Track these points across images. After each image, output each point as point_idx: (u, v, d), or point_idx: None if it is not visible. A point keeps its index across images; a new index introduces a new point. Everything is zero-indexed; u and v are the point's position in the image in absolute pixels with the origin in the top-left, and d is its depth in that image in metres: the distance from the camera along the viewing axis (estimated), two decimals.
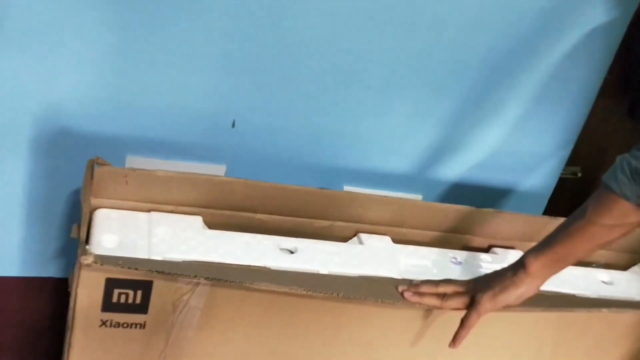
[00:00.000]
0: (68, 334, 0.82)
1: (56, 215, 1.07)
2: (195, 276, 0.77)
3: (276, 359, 0.89)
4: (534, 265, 0.79)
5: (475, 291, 0.81)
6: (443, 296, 0.82)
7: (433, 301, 0.81)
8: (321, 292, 0.80)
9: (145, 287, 0.79)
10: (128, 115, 1.02)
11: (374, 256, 0.92)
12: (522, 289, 0.79)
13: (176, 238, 0.84)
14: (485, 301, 0.79)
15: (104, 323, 0.80)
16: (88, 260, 0.72)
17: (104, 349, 0.82)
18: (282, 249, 0.88)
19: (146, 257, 0.80)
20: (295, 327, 0.87)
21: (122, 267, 0.74)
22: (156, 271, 0.76)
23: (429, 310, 0.85)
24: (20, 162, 1.00)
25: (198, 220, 0.86)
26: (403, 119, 1.14)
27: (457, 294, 0.82)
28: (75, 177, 1.04)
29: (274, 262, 0.85)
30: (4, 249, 1.07)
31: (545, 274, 0.79)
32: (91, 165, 0.83)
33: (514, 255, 0.98)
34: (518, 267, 0.80)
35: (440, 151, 1.20)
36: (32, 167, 1.01)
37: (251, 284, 0.78)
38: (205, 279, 0.77)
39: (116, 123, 1.02)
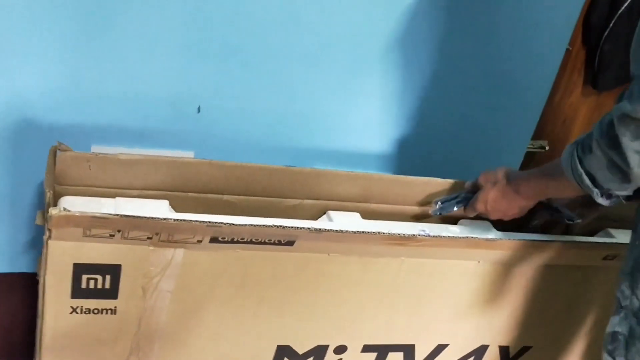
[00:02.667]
0: (39, 322, 0.81)
1: (23, 209, 1.06)
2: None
3: (250, 337, 0.90)
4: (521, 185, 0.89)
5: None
6: None
7: None
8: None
9: (114, 271, 0.79)
10: (92, 104, 1.01)
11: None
12: (505, 200, 0.91)
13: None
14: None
15: (74, 310, 0.80)
16: (60, 211, 0.72)
17: (76, 336, 0.82)
18: None
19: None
20: (268, 304, 0.88)
21: (94, 217, 0.73)
22: (123, 215, 0.75)
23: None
24: None
25: (164, 204, 0.86)
26: (369, 99, 1.14)
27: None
28: (41, 169, 1.03)
29: None
30: None
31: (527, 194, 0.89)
32: (54, 152, 0.83)
33: (483, 225, 1.00)
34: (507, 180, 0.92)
35: (407, 129, 1.21)
36: None
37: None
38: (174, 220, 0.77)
39: (80, 112, 1.01)
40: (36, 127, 1.00)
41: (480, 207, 0.94)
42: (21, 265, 1.12)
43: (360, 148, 1.19)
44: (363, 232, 0.86)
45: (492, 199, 0.92)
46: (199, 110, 1.08)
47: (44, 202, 0.85)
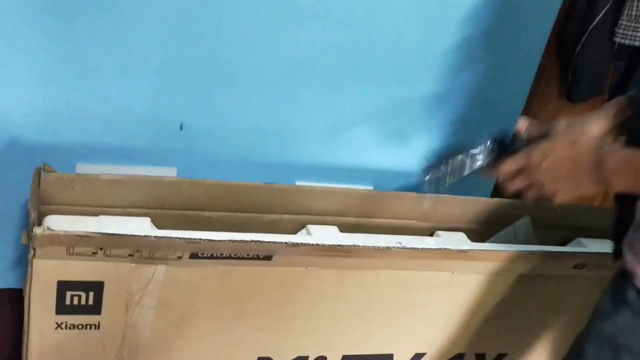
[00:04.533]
0: (25, 338, 0.84)
1: (10, 227, 1.08)
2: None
3: (231, 350, 0.92)
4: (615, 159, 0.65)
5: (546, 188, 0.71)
6: None
7: None
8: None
9: (97, 288, 0.82)
10: (76, 123, 1.03)
11: None
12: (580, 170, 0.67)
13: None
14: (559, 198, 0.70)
15: (59, 325, 0.82)
16: (44, 231, 0.74)
17: (61, 351, 0.84)
18: None
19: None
20: (248, 317, 0.90)
21: (77, 236, 0.76)
22: (105, 234, 0.77)
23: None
24: None
25: (146, 221, 0.89)
26: (345, 114, 1.17)
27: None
28: (27, 188, 1.05)
29: None
30: None
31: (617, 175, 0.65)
32: (38, 173, 0.85)
33: (458, 237, 1.03)
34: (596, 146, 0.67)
35: (385, 142, 1.24)
36: None
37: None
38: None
39: (64, 132, 1.04)
40: (21, 147, 1.02)
41: (535, 159, 0.68)
42: (9, 282, 1.14)
43: (341, 163, 1.22)
44: (339, 245, 0.89)
45: (561, 158, 0.66)
46: (181, 128, 1.11)
47: (29, 221, 0.87)
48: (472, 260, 0.95)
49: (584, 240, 1.08)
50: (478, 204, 1.11)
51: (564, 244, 1.10)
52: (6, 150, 1.02)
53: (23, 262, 1.13)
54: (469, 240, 0.99)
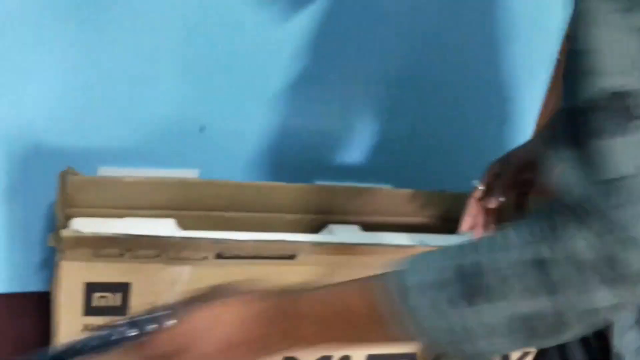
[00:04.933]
0: (53, 340, 0.85)
1: (34, 230, 1.10)
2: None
3: None
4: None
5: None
6: None
7: None
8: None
9: (124, 289, 0.83)
10: (97, 126, 1.05)
11: None
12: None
13: None
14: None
15: (86, 327, 0.83)
16: (71, 232, 0.75)
17: None
18: None
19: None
20: None
21: (104, 238, 0.77)
22: (132, 235, 0.78)
23: None
24: None
25: (171, 223, 0.89)
26: (364, 113, 1.18)
27: None
28: (51, 192, 1.07)
29: None
30: None
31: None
32: (63, 176, 0.86)
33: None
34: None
35: (406, 141, 1.24)
36: (7, 185, 1.04)
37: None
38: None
39: (86, 135, 1.05)
40: (45, 152, 1.04)
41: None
42: (33, 285, 1.15)
43: (361, 161, 1.23)
44: (362, 244, 0.89)
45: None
46: (202, 130, 1.11)
47: (54, 224, 0.88)
48: None
49: None
50: None
51: None
52: (30, 155, 1.03)
53: (48, 265, 1.15)
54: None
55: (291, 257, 0.86)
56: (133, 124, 1.06)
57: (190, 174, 1.13)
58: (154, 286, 0.83)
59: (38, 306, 1.16)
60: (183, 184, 0.92)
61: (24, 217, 1.08)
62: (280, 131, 1.15)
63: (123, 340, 0.52)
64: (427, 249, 0.90)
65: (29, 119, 1.00)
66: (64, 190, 0.86)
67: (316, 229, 0.99)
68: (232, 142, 1.14)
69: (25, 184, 1.05)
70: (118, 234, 0.78)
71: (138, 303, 0.84)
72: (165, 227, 0.88)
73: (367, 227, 1.00)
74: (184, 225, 0.91)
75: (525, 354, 1.08)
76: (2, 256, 1.10)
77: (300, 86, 1.12)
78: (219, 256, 0.84)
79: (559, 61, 1.31)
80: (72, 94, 1.01)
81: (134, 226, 0.86)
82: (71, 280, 0.80)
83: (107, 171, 1.07)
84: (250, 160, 1.16)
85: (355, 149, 1.22)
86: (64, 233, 0.76)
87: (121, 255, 0.80)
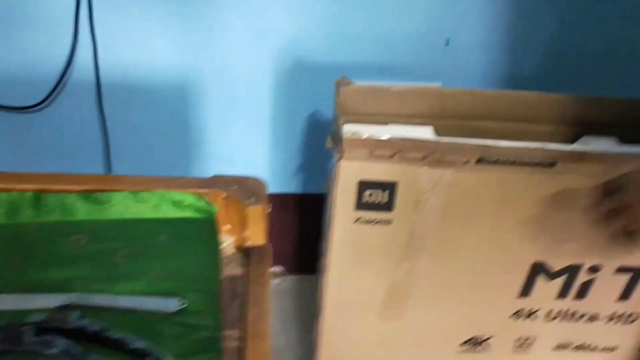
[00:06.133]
0: (329, 230, 0.96)
1: (294, 138, 1.23)
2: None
3: (506, 253, 0.97)
4: None
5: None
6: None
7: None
8: None
9: (391, 187, 0.91)
10: (347, 43, 1.12)
11: None
12: None
13: None
14: None
15: (357, 220, 0.94)
16: (351, 135, 0.84)
17: (358, 242, 0.96)
18: None
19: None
20: (527, 223, 0.94)
21: (378, 140, 0.85)
22: (403, 138, 0.85)
23: None
24: (265, 92, 1.16)
25: (429, 130, 0.95)
26: None
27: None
28: (307, 104, 1.19)
29: None
30: (255, 169, 1.26)
31: None
32: (338, 85, 0.95)
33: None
34: None
35: None
36: (274, 96, 1.17)
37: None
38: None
39: (338, 51, 1.13)
40: (304, 67, 1.14)
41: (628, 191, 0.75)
42: (292, 187, 1.30)
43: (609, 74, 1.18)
44: (625, 153, 0.87)
45: None
46: (447, 43, 1.14)
47: (314, 133, 0.96)
48: None
49: None
50: None
51: None
52: (292, 70, 1.14)
53: (303, 169, 1.28)
54: None
55: (551, 164, 0.88)
56: (381, 40, 1.12)
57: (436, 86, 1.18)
58: (418, 186, 0.90)
59: (295, 206, 1.32)
60: (440, 93, 0.97)
61: (286, 126, 1.21)
62: (529, 42, 1.14)
63: None
64: None
65: (292, 37, 1.10)
66: (338, 97, 0.95)
67: (572, 140, 0.99)
68: (475, 56, 1.15)
69: (289, 95, 1.18)
70: (391, 136, 0.85)
71: (403, 201, 0.92)
72: (425, 133, 0.94)
73: (624, 139, 0.97)
74: (440, 133, 0.97)
75: None
76: (266, 160, 1.26)
77: None
78: (480, 160, 0.88)
79: None
80: (326, 13, 1.09)
81: (397, 132, 0.93)
82: (347, 178, 0.90)
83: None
84: (495, 74, 1.17)
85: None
86: (346, 135, 0.85)
87: (391, 157, 0.88)
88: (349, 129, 0.92)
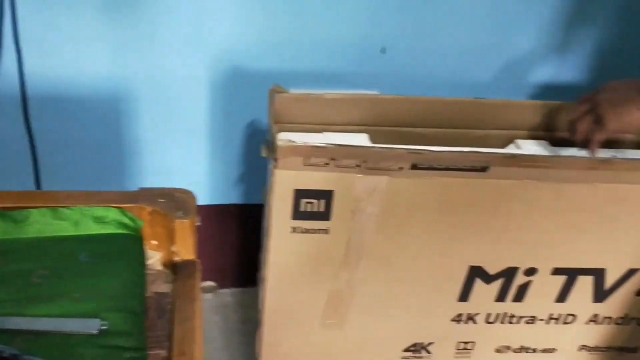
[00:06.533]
0: (266, 239, 0.95)
1: (233, 148, 1.21)
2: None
3: (445, 258, 0.98)
4: None
5: (600, 109, 0.83)
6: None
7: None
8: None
9: (328, 196, 0.90)
10: (286, 51, 1.11)
11: None
12: None
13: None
14: (611, 122, 0.81)
15: (294, 229, 0.92)
16: (285, 143, 0.83)
17: (296, 252, 0.95)
18: None
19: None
20: (463, 227, 0.94)
21: (313, 147, 0.84)
22: (337, 145, 0.84)
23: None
24: (202, 101, 1.14)
25: (364, 137, 0.95)
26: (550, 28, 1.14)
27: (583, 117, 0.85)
28: (245, 113, 1.17)
29: None
30: (194, 180, 1.23)
31: None
32: (272, 94, 0.94)
33: None
34: None
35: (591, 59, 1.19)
36: (211, 105, 1.15)
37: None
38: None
39: (277, 59, 1.12)
40: (241, 75, 1.13)
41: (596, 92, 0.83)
42: (233, 198, 1.28)
43: (547, 79, 1.20)
44: (556, 156, 0.89)
45: (618, 84, 0.82)
46: (383, 51, 1.14)
47: (254, 142, 0.95)
48: None
49: None
50: None
51: None
52: (228, 78, 1.12)
53: (244, 179, 1.26)
54: None
55: (484, 169, 0.89)
56: (318, 47, 1.11)
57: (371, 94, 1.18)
58: (354, 194, 0.90)
59: (236, 216, 1.30)
60: (375, 100, 0.96)
61: (224, 135, 1.19)
62: (461, 48, 1.15)
63: None
64: (621, 162, 0.89)
65: (228, 45, 1.09)
66: (272, 106, 0.93)
67: (503, 144, 1.00)
68: (411, 62, 1.16)
69: (225, 104, 1.16)
70: (325, 143, 0.84)
71: (339, 210, 0.91)
72: (360, 140, 0.93)
73: (555, 142, 0.99)
74: (376, 140, 0.96)
75: None
76: (205, 171, 1.23)
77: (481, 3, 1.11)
78: (415, 167, 0.88)
79: None
80: (263, 20, 1.08)
81: (332, 139, 0.92)
82: (283, 187, 0.88)
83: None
84: (429, 80, 1.18)
85: (544, 66, 1.19)
86: (280, 143, 0.84)
87: (326, 164, 0.87)
88: (283, 137, 0.90)
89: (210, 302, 1.39)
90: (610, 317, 1.07)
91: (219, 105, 1.15)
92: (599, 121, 0.83)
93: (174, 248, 0.71)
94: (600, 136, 0.83)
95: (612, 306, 1.05)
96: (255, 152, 1.19)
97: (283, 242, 0.93)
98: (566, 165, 0.89)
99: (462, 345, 1.08)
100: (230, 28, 1.08)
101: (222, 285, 1.41)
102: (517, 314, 1.05)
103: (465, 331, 1.06)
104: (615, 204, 0.94)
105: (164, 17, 1.04)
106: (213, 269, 1.37)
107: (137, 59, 1.07)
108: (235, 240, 1.34)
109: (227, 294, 1.40)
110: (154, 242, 0.72)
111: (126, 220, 0.70)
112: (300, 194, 0.89)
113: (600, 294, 1.04)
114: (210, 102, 1.15)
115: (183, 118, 1.15)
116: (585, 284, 1.02)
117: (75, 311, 0.61)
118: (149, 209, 0.70)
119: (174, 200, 0.72)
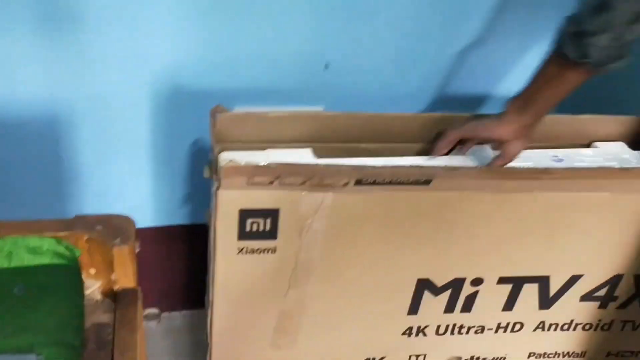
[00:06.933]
0: (212, 263, 0.93)
1: (178, 167, 1.19)
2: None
3: (393, 272, 0.98)
4: (511, 106, 0.89)
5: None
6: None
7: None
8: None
9: (273, 215, 0.89)
10: (229, 67, 1.10)
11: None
12: (501, 128, 0.91)
13: None
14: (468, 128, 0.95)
15: (240, 250, 0.91)
16: (228, 163, 0.82)
17: (243, 273, 0.93)
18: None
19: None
20: (409, 241, 0.95)
21: (256, 167, 0.83)
22: (281, 163, 0.84)
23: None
24: (143, 121, 1.12)
25: (308, 152, 0.94)
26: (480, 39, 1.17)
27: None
28: (190, 130, 1.15)
29: None
30: (138, 202, 1.20)
31: (520, 116, 0.89)
32: (214, 114, 0.92)
33: (615, 147, 1.00)
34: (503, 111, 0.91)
35: None
36: (153, 124, 1.13)
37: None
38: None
39: (220, 76, 1.11)
40: (184, 93, 1.11)
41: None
42: (179, 219, 1.26)
43: (480, 91, 1.23)
44: (497, 168, 0.90)
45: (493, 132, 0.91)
46: (326, 67, 1.15)
47: (198, 162, 0.94)
48: (632, 178, 0.94)
49: None
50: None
51: None
52: (171, 97, 1.11)
53: (191, 199, 1.24)
54: (629, 150, 0.96)
55: (427, 182, 0.89)
56: (262, 63, 1.11)
57: (315, 110, 1.18)
58: (300, 212, 0.89)
59: (184, 237, 1.28)
60: (319, 117, 0.96)
61: (168, 155, 1.17)
62: (400, 62, 1.17)
63: None
64: (561, 171, 0.91)
65: (168, 63, 1.07)
66: (214, 126, 0.92)
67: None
68: (355, 77, 1.17)
69: (168, 123, 1.14)
70: (269, 163, 0.83)
71: (286, 228, 0.90)
72: (304, 156, 0.93)
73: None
74: (321, 155, 0.96)
75: None
76: (149, 192, 1.21)
77: (422, 15, 1.12)
78: (359, 182, 0.88)
79: None
80: (203, 37, 1.06)
81: (276, 157, 0.92)
82: (227, 208, 0.87)
83: (240, 110, 1.14)
84: (373, 95, 1.19)
85: (475, 78, 1.22)
86: (222, 163, 0.83)
87: (271, 183, 0.86)
88: (226, 157, 0.89)
89: (159, 326, 1.35)
90: (556, 324, 1.10)
91: (161, 125, 1.13)
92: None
93: (113, 276, 0.69)
94: (453, 135, 0.96)
95: (558, 312, 1.07)
96: (200, 171, 1.17)
97: (230, 264, 0.92)
98: (507, 176, 0.91)
99: (413, 358, 1.09)
100: (170, 46, 1.06)
101: (171, 308, 1.38)
102: (466, 324, 1.06)
103: (416, 344, 1.07)
104: (556, 212, 0.96)
105: (101, 36, 1.01)
106: (161, 291, 1.34)
107: (75, 80, 1.04)
108: (183, 261, 1.31)
109: (177, 317, 1.37)
110: (92, 271, 0.70)
111: (62, 250, 0.67)
112: (245, 214, 0.88)
113: (546, 301, 1.06)
114: (152, 121, 1.12)
115: (124, 139, 1.13)
116: (530, 291, 1.04)
117: (10, 346, 0.58)
118: (85, 236, 0.68)
119: (111, 227, 0.70)
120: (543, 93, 0.86)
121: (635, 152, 0.97)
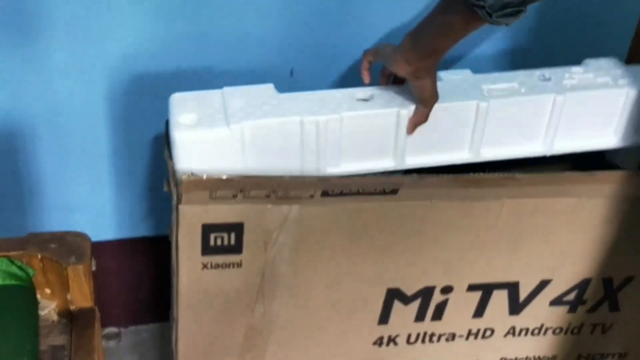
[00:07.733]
0: (175, 279, 0.91)
1: (141, 174, 1.15)
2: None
3: (362, 283, 0.97)
4: (403, 46, 0.83)
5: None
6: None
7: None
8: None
9: (238, 229, 0.87)
10: (192, 77, 1.07)
11: (455, 88, 0.90)
12: (400, 64, 0.84)
13: (250, 106, 0.85)
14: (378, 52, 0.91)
15: (205, 266, 0.89)
16: (188, 177, 0.79)
17: (208, 289, 0.91)
18: (358, 100, 0.88)
19: (225, 126, 0.82)
20: (378, 251, 0.94)
21: (219, 180, 0.80)
22: (245, 176, 0.81)
23: None
24: (101, 131, 1.08)
25: (270, 88, 0.90)
26: None
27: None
28: (152, 140, 1.12)
29: (350, 112, 0.85)
30: (99, 214, 1.17)
31: (412, 56, 0.82)
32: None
33: (607, 62, 0.94)
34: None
35: None
36: (112, 134, 1.09)
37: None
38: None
39: (181, 87, 1.08)
40: (144, 101, 1.07)
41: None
42: (143, 230, 1.22)
43: None
44: (462, 176, 0.90)
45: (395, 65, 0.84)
46: (291, 74, 1.13)
47: (166, 173, 0.91)
48: (599, 183, 0.94)
49: None
50: None
51: None
52: (128, 107, 1.07)
53: (154, 209, 1.21)
54: (622, 64, 0.92)
55: (394, 191, 0.88)
56: (224, 67, 1.08)
57: None
58: (266, 225, 0.87)
59: (148, 250, 1.25)
60: None
61: (128, 165, 1.14)
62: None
63: None
64: (527, 177, 0.90)
65: (124, 71, 1.03)
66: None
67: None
68: (321, 84, 1.15)
69: (126, 135, 1.10)
70: (233, 175, 0.81)
71: (251, 242, 0.88)
72: (265, 91, 0.89)
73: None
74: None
75: None
76: (111, 204, 1.17)
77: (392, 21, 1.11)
78: (325, 194, 0.86)
79: None
80: (162, 45, 1.03)
81: (233, 94, 0.87)
82: (190, 223, 0.85)
83: None
84: None
85: None
86: (183, 177, 0.80)
87: (234, 196, 0.84)
88: (176, 100, 0.85)
89: (126, 340, 1.32)
90: (527, 328, 1.09)
91: (120, 134, 1.10)
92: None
93: (68, 296, 0.66)
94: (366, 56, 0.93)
95: (528, 317, 1.07)
96: (163, 180, 1.15)
97: (194, 280, 0.89)
98: (473, 184, 0.90)
99: None
100: (125, 50, 1.02)
101: (137, 321, 1.34)
102: (437, 332, 1.05)
103: (387, 353, 1.05)
104: (523, 219, 0.95)
105: (52, 39, 0.97)
106: (126, 305, 1.31)
107: (28, 89, 1.01)
108: (148, 273, 1.28)
109: (143, 330, 1.34)
110: (47, 291, 0.67)
111: (14, 270, 0.65)
112: (208, 229, 0.86)
113: (516, 307, 1.06)
114: (111, 131, 1.09)
115: (83, 149, 1.09)
116: (500, 298, 1.04)
117: None
118: (39, 255, 0.66)
119: (66, 245, 0.67)
120: (433, 37, 0.79)
121: (628, 66, 0.92)
